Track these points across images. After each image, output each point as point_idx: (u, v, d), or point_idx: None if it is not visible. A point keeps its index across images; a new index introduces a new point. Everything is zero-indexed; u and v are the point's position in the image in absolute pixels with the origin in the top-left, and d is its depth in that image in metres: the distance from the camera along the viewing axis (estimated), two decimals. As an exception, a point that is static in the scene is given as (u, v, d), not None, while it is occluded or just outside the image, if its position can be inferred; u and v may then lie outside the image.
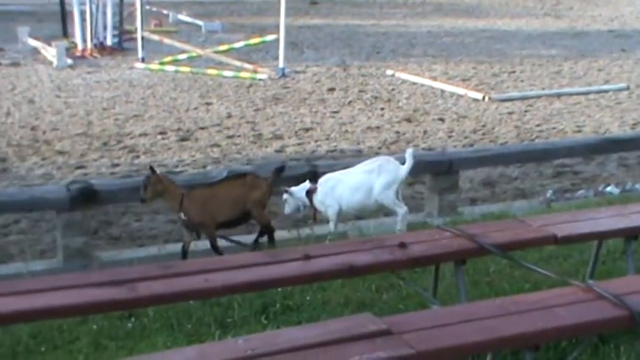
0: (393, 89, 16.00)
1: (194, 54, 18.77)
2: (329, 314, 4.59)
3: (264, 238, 6.77)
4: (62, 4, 22.05)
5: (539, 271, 4.55)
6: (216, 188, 6.66)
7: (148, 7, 23.77)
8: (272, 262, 4.06)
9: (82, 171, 10.12)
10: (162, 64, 18.00)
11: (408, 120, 13.29)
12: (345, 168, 7.08)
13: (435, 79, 16.89)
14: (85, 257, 6.67)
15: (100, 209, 6.72)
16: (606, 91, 15.87)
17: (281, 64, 17.13)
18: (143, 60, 18.21)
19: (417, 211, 7.98)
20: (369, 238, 4.50)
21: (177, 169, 10.14)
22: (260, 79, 16.70)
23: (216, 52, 18.95)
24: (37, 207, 7.10)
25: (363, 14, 29.86)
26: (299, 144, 11.66)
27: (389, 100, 14.89)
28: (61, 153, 10.96)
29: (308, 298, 4.86)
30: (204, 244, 6.68)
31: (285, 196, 6.96)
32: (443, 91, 15.68)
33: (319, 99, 14.92)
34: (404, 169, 6.64)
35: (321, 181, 6.88)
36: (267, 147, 11.44)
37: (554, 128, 12.83)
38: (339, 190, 6.75)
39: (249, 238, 6.96)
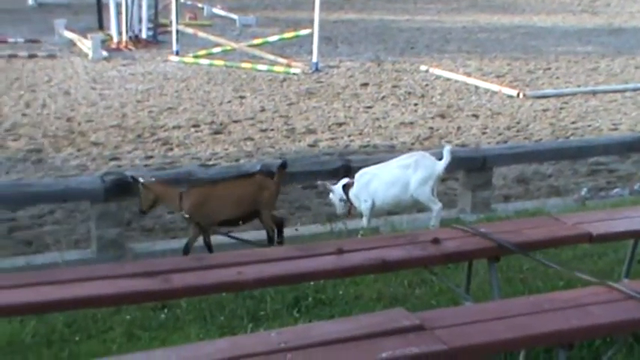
0: (426, 85, 15.93)
1: (228, 47, 18.82)
2: (361, 309, 4.58)
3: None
4: (98, -4, 22.25)
5: (565, 271, 4.49)
6: (220, 186, 6.53)
7: (182, 0, 23.87)
8: (305, 256, 4.05)
9: (116, 162, 10.20)
10: (196, 57, 18.08)
11: (442, 116, 13.23)
12: (378, 163, 7.06)
13: (469, 75, 16.79)
14: (119, 248, 6.73)
15: (134, 201, 6.76)
16: (643, 89, 15.69)
17: (315, 58, 17.13)
18: (177, 53, 18.30)
19: (449, 208, 7.94)
20: (403, 234, 4.48)
21: (210, 162, 10.19)
22: (294, 74, 16.71)
23: (251, 45, 19.00)
24: (72, 198, 7.17)
25: (397, 9, 29.75)
26: (332, 139, 11.65)
27: (422, 96, 14.83)
28: (95, 144, 11.06)
29: (340, 292, 4.86)
30: (239, 236, 6.69)
31: (330, 196, 6.96)
32: (477, 88, 15.58)
33: (353, 94, 14.90)
34: (440, 165, 6.60)
35: (357, 175, 6.87)
36: (300, 141, 11.45)
37: (589, 126, 12.70)
38: (373, 184, 6.73)
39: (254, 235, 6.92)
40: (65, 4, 27.11)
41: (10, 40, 19.92)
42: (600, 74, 17.51)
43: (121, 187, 6.70)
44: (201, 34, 19.65)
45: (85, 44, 18.75)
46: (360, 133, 11.97)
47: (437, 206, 6.68)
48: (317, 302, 4.76)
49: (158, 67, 17.34)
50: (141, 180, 6.36)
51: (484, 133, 12.10)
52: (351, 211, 7.00)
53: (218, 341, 3.54)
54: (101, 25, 21.55)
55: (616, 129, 12.49)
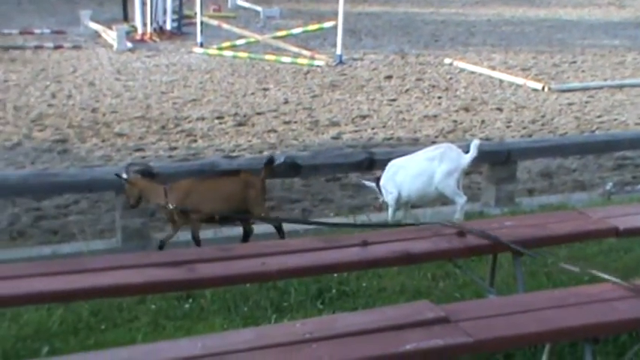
0: (450, 78, 15.86)
1: (252, 39, 18.84)
2: (384, 301, 4.59)
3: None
4: (123, -12, 22.34)
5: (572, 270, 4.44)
6: (206, 182, 6.43)
7: (207, -8, 23.92)
8: (329, 248, 4.06)
9: (140, 154, 10.25)
10: (220, 49, 18.12)
11: (466, 109, 13.17)
12: (402, 156, 7.04)
13: (493, 68, 16.69)
14: (143, 238, 6.77)
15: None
16: (671, 83, 15.53)
17: (339, 50, 17.10)
18: (202, 45, 18.34)
19: (473, 201, 7.91)
20: (427, 226, 4.47)
21: (234, 154, 10.21)
22: (317, 66, 16.70)
23: (274, 38, 19.00)
24: (98, 188, 7.21)
25: (421, 2, 29.61)
26: (355, 131, 11.64)
27: (447, 89, 14.77)
28: (120, 135, 11.12)
29: (364, 284, 4.87)
30: (259, 228, 6.73)
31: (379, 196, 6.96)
32: (502, 81, 15.50)
33: (376, 86, 14.87)
34: (466, 159, 6.57)
35: (387, 167, 6.87)
36: (323, 134, 11.45)
37: (615, 120, 12.59)
38: (399, 176, 6.71)
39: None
40: (90, -4, 27.26)
41: (37, 31, 20.07)
42: (627, 68, 17.35)
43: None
44: (225, 25, 19.68)
45: (110, 35, 18.85)
46: (384, 126, 11.95)
47: (462, 199, 6.66)
48: (340, 294, 4.77)
49: (182, 58, 17.39)
50: (124, 176, 6.31)
51: (508, 127, 12.04)
52: (382, 205, 7.01)
53: (243, 331, 3.56)
54: (126, 17, 21.64)
55: (642, 123, 12.40)
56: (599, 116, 12.80)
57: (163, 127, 11.59)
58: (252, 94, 14.01)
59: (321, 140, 11.07)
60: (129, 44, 18.36)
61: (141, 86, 14.39)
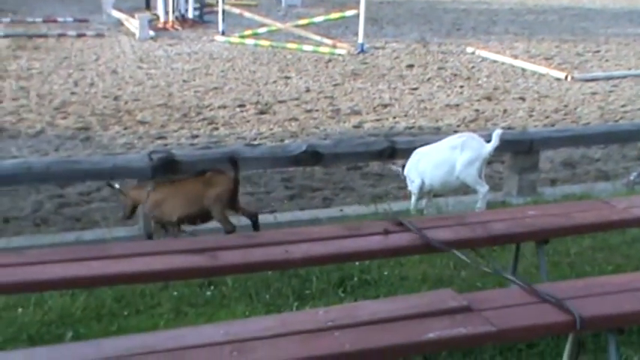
0: (472, 67, 15.78)
1: (274, 28, 18.84)
2: (406, 290, 4.57)
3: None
4: (145, -24, 22.40)
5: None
6: (179, 184, 6.30)
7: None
8: (352, 236, 4.05)
9: (162, 141, 10.29)
10: (242, 37, 18.13)
11: (488, 98, 13.10)
12: (424, 145, 7.01)
13: (516, 57, 16.59)
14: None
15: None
16: (696, 72, 15.36)
17: (360, 39, 17.07)
18: (223, 33, 18.36)
19: (494, 191, 7.86)
20: (450, 215, 4.46)
21: (256, 142, 10.22)
22: (339, 54, 16.67)
23: (296, 26, 18.98)
24: (120, 175, 7.20)
25: (443, -10, 29.47)
26: (377, 120, 11.61)
27: (469, 78, 14.70)
28: (142, 123, 11.17)
29: (386, 273, 4.85)
30: (284, 216, 6.72)
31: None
32: (524, 70, 15.40)
33: (398, 75, 14.83)
34: (488, 148, 6.52)
35: (411, 155, 6.85)
36: (345, 122, 11.43)
37: (639, 109, 12.48)
38: (422, 164, 6.69)
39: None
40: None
41: (60, 19, 20.18)
42: (652, 57, 17.21)
43: (168, 165, 6.73)
44: (247, 14, 19.68)
45: (133, 24, 18.90)
46: (405, 115, 11.91)
47: (483, 189, 6.62)
48: (362, 282, 4.76)
49: (204, 47, 17.42)
50: (116, 186, 6.27)
51: (531, 116, 11.96)
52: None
53: (265, 318, 3.57)
54: (148, 5, 21.72)
55: (667, 113, 12.28)
56: (622, 106, 12.69)
57: (185, 115, 11.62)
58: (274, 82, 14.01)
59: (343, 129, 11.06)
60: (151, 32, 18.41)
61: (163, 74, 14.43)
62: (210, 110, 11.95)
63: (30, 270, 3.53)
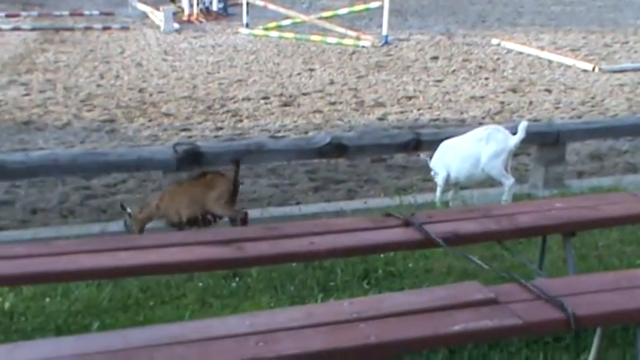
0: (498, 59, 15.67)
1: (298, 20, 18.82)
2: (431, 282, 4.55)
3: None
4: (170, -31, 22.45)
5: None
6: (184, 185, 6.41)
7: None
8: (376, 228, 4.04)
9: (186, 133, 10.32)
10: (266, 29, 18.13)
11: (514, 90, 13.01)
12: (448, 137, 6.98)
13: (542, 48, 16.45)
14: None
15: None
16: None
17: (384, 31, 17.01)
18: (247, 25, 18.38)
19: (520, 183, 7.81)
20: (475, 208, 4.42)
21: (280, 134, 10.23)
22: (363, 47, 16.63)
23: (320, 18, 18.95)
24: (145, 167, 7.25)
25: (468, -18, 29.28)
26: (401, 112, 11.57)
27: (494, 70, 14.60)
28: (166, 115, 11.21)
29: (410, 265, 4.84)
30: (309, 208, 6.71)
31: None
32: (550, 62, 15.27)
33: (422, 67, 14.76)
34: (514, 140, 6.48)
35: (438, 147, 6.83)
36: (369, 114, 11.40)
37: (667, 101, 12.35)
38: (448, 156, 6.66)
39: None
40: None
41: (86, 12, 20.32)
42: (680, 48, 16.99)
43: (193, 157, 6.75)
44: (271, 6, 19.66)
45: (157, 16, 18.98)
46: (430, 107, 11.86)
47: (509, 181, 6.57)
48: (387, 275, 4.75)
49: (228, 39, 17.44)
50: (128, 210, 6.32)
51: (557, 108, 11.86)
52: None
53: (291, 309, 3.56)
54: (173, -2, 21.77)
55: (696, 105, 12.12)
56: (651, 98, 12.56)
57: (209, 107, 11.64)
58: (298, 74, 14.00)
59: (367, 121, 11.03)
60: (176, 25, 18.48)
61: (187, 67, 14.48)
62: (235, 102, 11.97)
63: (56, 261, 3.55)
